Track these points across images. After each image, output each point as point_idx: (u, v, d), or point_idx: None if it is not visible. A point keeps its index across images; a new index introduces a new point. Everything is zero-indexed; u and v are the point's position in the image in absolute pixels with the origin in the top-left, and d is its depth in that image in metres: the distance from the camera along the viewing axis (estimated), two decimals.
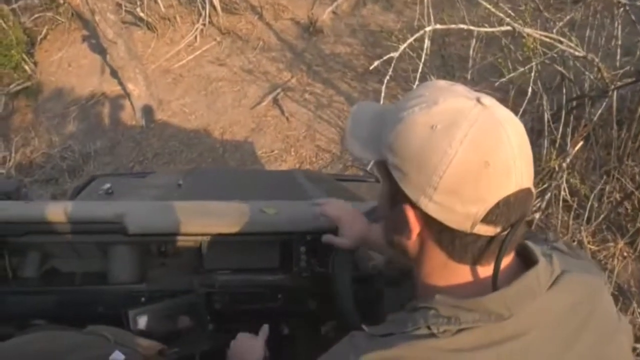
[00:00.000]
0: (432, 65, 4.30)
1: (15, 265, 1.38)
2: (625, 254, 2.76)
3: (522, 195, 0.63)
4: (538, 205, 2.62)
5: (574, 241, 2.63)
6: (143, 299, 1.35)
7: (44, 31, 7.12)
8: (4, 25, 6.39)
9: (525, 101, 2.53)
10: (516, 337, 0.63)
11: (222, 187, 2.32)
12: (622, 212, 2.85)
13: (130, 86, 5.37)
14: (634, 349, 1.87)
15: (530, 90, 2.42)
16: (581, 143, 2.54)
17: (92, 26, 5.82)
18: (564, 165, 2.47)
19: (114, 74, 5.87)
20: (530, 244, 0.70)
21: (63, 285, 1.39)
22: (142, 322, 1.27)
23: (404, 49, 2.15)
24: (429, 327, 0.64)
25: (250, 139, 4.95)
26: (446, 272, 0.68)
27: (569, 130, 2.76)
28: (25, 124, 6.31)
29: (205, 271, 1.42)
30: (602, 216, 2.72)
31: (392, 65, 2.22)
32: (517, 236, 0.65)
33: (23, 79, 6.61)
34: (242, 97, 5.45)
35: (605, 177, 2.80)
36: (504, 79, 2.50)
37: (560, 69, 2.70)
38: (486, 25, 2.33)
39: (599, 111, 2.66)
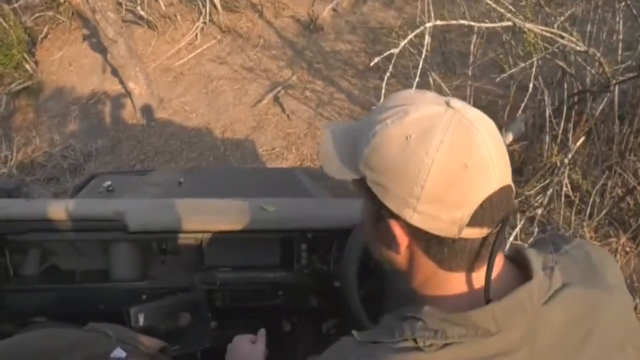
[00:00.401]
0: (433, 62, 4.29)
1: (16, 263, 1.39)
2: (627, 249, 2.75)
3: (504, 193, 0.63)
4: (540, 201, 2.61)
5: (575, 237, 2.61)
6: (144, 296, 1.36)
7: (45, 30, 7.13)
8: (4, 24, 6.39)
9: (527, 96, 2.52)
10: (504, 354, 0.62)
11: (223, 184, 2.32)
12: (624, 207, 2.83)
13: (130, 85, 5.37)
14: None
15: (531, 85, 2.40)
16: (583, 138, 2.53)
17: (92, 25, 5.82)
18: (566, 160, 2.45)
19: (115, 72, 5.87)
20: (532, 253, 0.68)
21: (64, 283, 1.39)
22: (143, 319, 1.27)
23: (404, 45, 2.13)
24: (415, 340, 0.63)
25: (251, 137, 4.94)
26: (437, 281, 0.68)
27: (571, 125, 2.74)
28: (26, 123, 6.31)
29: (206, 268, 1.43)
30: (604, 212, 2.71)
31: (393, 61, 2.21)
32: (504, 236, 0.65)
33: (24, 79, 6.62)
34: (242, 95, 5.44)
35: (607, 172, 2.79)
36: (504, 75, 2.49)
37: (561, 64, 2.68)
38: (487, 20, 2.31)
39: (601, 106, 2.65)
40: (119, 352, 0.77)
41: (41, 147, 5.62)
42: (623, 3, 2.73)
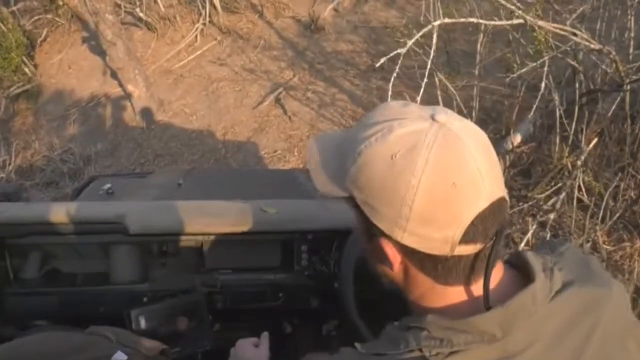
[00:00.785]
0: (437, 62, 4.22)
1: (16, 267, 1.39)
2: None
3: (496, 207, 0.61)
4: (551, 204, 2.53)
5: (588, 242, 2.54)
6: (145, 298, 1.36)
7: (44, 33, 7.07)
8: (3, 27, 6.34)
9: (539, 97, 2.43)
10: (510, 357, 0.62)
11: (222, 186, 2.31)
12: (637, 210, 2.75)
13: (130, 87, 5.30)
14: None
15: (543, 85, 2.31)
16: (596, 140, 2.45)
17: (92, 28, 5.75)
18: (579, 163, 2.37)
19: (115, 75, 5.80)
20: (531, 256, 0.67)
21: (64, 286, 1.39)
22: (144, 322, 1.27)
23: (407, 45, 2.05)
24: (420, 350, 0.63)
25: (253, 139, 4.88)
26: (435, 295, 0.67)
27: (583, 126, 2.65)
28: (25, 126, 6.26)
29: (206, 270, 1.43)
30: (617, 215, 2.62)
31: (399, 62, 2.13)
32: (500, 249, 0.64)
33: (23, 82, 6.57)
34: (243, 97, 5.38)
35: (620, 174, 2.70)
36: (514, 75, 2.40)
37: (573, 63, 2.59)
38: (496, 18, 2.23)
39: (613, 106, 2.56)
40: (119, 355, 0.76)
41: (40, 151, 5.55)
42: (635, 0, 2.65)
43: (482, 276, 0.63)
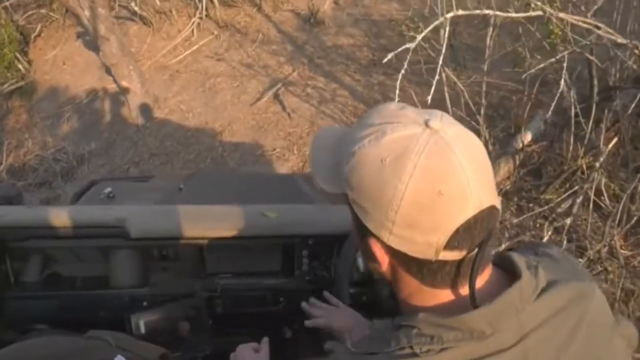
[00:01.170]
0: (444, 57, 4.06)
1: (17, 270, 1.40)
2: None
3: (484, 216, 0.62)
4: (567, 209, 2.39)
5: (605, 247, 2.40)
6: (145, 303, 1.36)
7: (38, 28, 6.96)
8: None
9: (557, 94, 2.27)
10: (499, 354, 0.63)
11: (223, 191, 2.31)
12: None
13: (124, 84, 5.16)
14: None
15: (562, 82, 2.16)
16: (615, 140, 2.30)
17: (86, 22, 5.62)
18: (597, 164, 2.22)
19: (110, 71, 5.66)
20: (515, 256, 0.69)
21: (65, 290, 1.40)
22: (144, 326, 1.28)
23: (417, 39, 1.90)
24: (411, 347, 0.64)
25: (251, 137, 4.74)
26: (423, 295, 0.68)
27: (603, 125, 2.49)
28: (19, 125, 6.15)
29: (207, 275, 1.44)
30: (635, 218, 2.47)
31: (408, 58, 1.98)
32: (487, 254, 0.66)
33: (17, 79, 6.48)
34: (241, 93, 5.23)
35: (638, 174, 2.54)
36: (531, 70, 2.25)
37: (591, 57, 2.44)
38: (510, 10, 2.08)
39: (633, 103, 2.40)
40: (119, 359, 0.76)
41: (33, 150, 5.43)
42: None
43: (467, 280, 0.64)
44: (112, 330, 0.88)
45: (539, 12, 1.93)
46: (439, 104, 2.84)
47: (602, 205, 2.51)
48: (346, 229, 1.27)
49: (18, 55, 6.50)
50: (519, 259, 0.68)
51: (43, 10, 6.83)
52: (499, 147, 3.17)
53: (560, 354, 0.66)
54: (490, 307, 0.62)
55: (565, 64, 2.05)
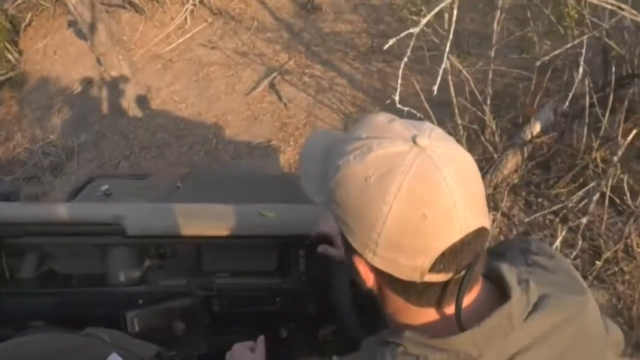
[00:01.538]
0: (445, 42, 3.87)
1: (12, 267, 1.39)
2: None
3: (472, 238, 0.61)
4: (583, 206, 2.21)
5: (622, 246, 2.23)
6: (141, 301, 1.36)
7: (28, 17, 6.81)
8: None
9: (576, 83, 2.09)
10: None
11: (221, 189, 2.29)
12: None
13: (114, 74, 4.97)
14: None
15: (581, 70, 1.97)
16: (635, 132, 2.12)
17: (74, 10, 5.44)
18: (615, 159, 2.05)
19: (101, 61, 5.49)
20: (505, 269, 0.67)
21: (61, 287, 1.40)
22: (139, 324, 1.27)
23: (421, 23, 1.73)
24: None
25: (245, 128, 4.56)
26: (409, 313, 0.67)
27: (622, 116, 2.30)
28: (9, 117, 6.00)
29: (203, 274, 1.43)
30: None
31: (411, 44, 1.80)
32: (476, 274, 0.64)
33: (7, 69, 6.38)
34: (235, 83, 5.05)
35: None
36: (546, 58, 2.06)
37: (610, 42, 2.24)
38: None
39: None
40: (114, 357, 0.76)
41: (22, 143, 5.27)
42: None
43: (454, 300, 0.63)
44: (110, 327, 0.91)
45: None
46: (442, 93, 2.68)
47: (617, 201, 2.33)
48: None
49: (8, 45, 6.39)
50: (510, 274, 0.66)
51: None
52: (506, 138, 3.00)
53: None
54: (478, 330, 0.61)
55: (584, 49, 1.86)
